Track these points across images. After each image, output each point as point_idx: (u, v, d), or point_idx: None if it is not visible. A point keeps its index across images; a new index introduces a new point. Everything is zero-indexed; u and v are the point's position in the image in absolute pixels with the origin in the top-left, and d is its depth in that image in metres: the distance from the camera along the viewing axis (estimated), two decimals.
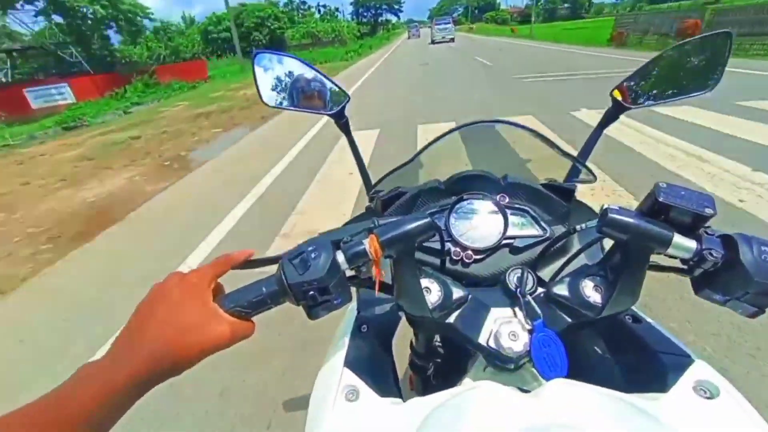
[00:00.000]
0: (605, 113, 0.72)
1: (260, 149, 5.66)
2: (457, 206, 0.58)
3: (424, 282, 0.46)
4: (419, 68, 14.05)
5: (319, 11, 63.43)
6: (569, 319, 0.45)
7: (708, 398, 0.38)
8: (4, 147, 8.62)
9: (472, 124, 0.69)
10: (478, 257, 0.56)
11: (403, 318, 0.56)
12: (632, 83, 0.71)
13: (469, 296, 0.48)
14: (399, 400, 0.44)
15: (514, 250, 0.56)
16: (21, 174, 5.96)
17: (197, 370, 0.38)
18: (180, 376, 0.37)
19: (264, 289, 0.40)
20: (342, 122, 0.79)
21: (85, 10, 18.21)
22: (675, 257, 0.40)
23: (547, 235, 0.57)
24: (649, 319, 0.52)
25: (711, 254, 0.38)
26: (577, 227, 0.49)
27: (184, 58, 35.00)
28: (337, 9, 67.30)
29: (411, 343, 0.72)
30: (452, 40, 31.40)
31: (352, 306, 0.61)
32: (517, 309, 0.46)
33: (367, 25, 74.51)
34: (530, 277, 0.48)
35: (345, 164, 4.33)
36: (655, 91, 0.72)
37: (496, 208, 0.58)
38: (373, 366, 0.50)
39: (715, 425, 0.35)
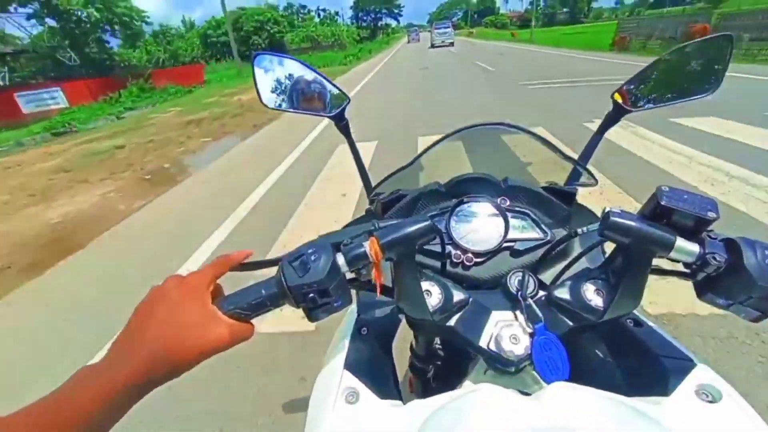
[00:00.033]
0: (606, 116, 0.72)
1: (249, 162, 5.19)
2: (458, 209, 0.57)
3: (425, 285, 0.46)
4: (419, 73, 13.61)
5: (319, 15, 63.19)
6: (570, 323, 0.44)
7: (710, 402, 0.37)
8: None
9: (473, 126, 0.68)
10: (478, 260, 0.55)
11: (403, 321, 0.56)
12: (633, 86, 0.71)
13: (470, 299, 0.47)
14: (399, 402, 0.44)
15: (515, 254, 0.55)
16: None
17: None
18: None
19: (263, 291, 0.39)
20: (342, 124, 0.77)
21: (79, 13, 17.79)
22: (677, 261, 0.39)
23: (548, 238, 0.56)
24: (650, 323, 0.51)
25: (714, 258, 0.37)
26: (579, 230, 0.49)
27: (183, 62, 34.83)
28: (336, 13, 67.12)
29: (411, 345, 0.72)
30: (452, 44, 31.63)
31: (352, 308, 0.61)
32: (518, 312, 0.45)
33: (367, 29, 74.27)
34: (531, 281, 0.48)
35: (338, 183, 3.87)
36: (655, 94, 0.71)
37: (496, 211, 0.57)
38: (373, 368, 0.50)
39: (717, 429, 0.35)
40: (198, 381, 1.65)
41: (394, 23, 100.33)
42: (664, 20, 16.73)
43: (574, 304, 0.44)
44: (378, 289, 0.43)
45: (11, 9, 16.94)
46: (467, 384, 0.47)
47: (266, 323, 1.90)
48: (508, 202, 0.59)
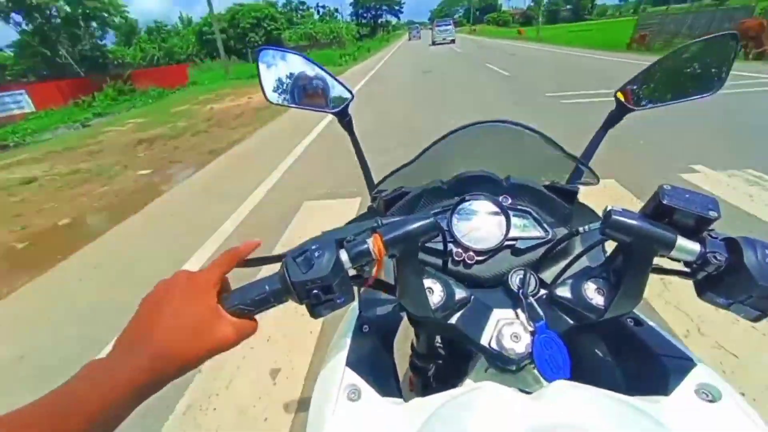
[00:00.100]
0: (609, 115, 0.70)
1: (175, 224, 3.46)
2: (460, 207, 0.57)
3: (427, 282, 0.45)
4: (421, 79, 11.43)
5: (319, 12, 61.16)
6: (571, 321, 0.44)
7: (710, 401, 0.37)
8: None
9: (474, 124, 0.66)
10: (480, 258, 0.54)
11: (404, 319, 0.57)
12: (636, 85, 0.69)
13: (472, 297, 0.47)
14: (400, 400, 0.44)
15: (517, 252, 0.55)
16: None
17: None
18: None
19: (267, 287, 0.39)
20: (345, 121, 0.75)
21: (52, 10, 15.98)
22: (678, 260, 0.39)
23: (550, 236, 0.55)
24: (650, 323, 0.51)
25: (715, 257, 0.37)
26: (580, 229, 0.49)
27: (179, 60, 33.38)
28: (336, 10, 65.02)
29: (412, 344, 0.72)
30: (453, 41, 31.17)
31: (354, 306, 0.59)
32: (519, 310, 0.45)
33: (367, 27, 72.13)
34: (532, 279, 0.48)
35: None
36: (659, 94, 0.70)
37: (498, 209, 0.56)
38: (375, 366, 0.49)
39: (717, 428, 0.35)
40: None
41: (394, 20, 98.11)
42: (692, 16, 14.87)
43: (575, 303, 0.44)
44: (377, 285, 0.44)
45: None
46: (468, 382, 0.48)
47: None
48: (509, 201, 0.58)
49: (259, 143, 5.97)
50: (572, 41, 21.11)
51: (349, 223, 0.50)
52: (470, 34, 53.59)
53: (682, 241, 0.37)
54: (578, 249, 0.55)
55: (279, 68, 0.73)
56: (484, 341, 0.44)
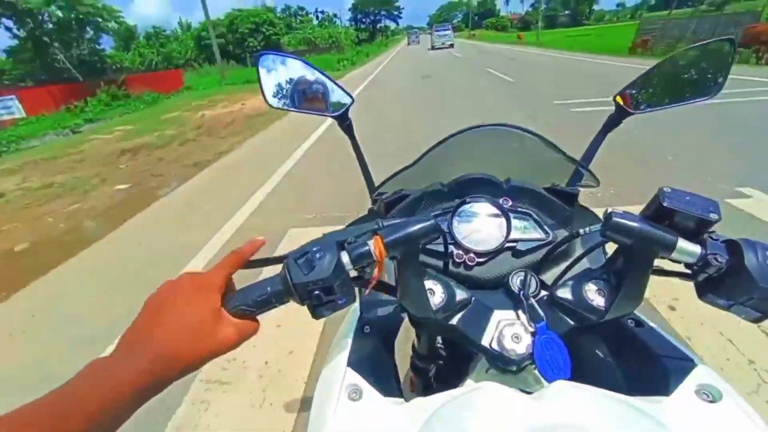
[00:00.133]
0: (608, 119, 0.70)
1: (140, 252, 3.03)
2: (460, 209, 0.56)
3: (428, 284, 0.45)
4: (420, 84, 11.01)
5: (317, 17, 61.03)
6: (572, 322, 0.44)
7: (710, 402, 0.37)
8: None
9: (476, 127, 0.66)
10: (480, 260, 0.54)
11: (405, 320, 0.57)
12: (635, 89, 0.69)
13: (473, 298, 0.47)
14: (401, 400, 0.43)
15: (517, 254, 0.54)
16: None
17: None
18: None
19: (269, 288, 0.39)
20: (345, 124, 0.75)
21: (44, 15, 15.57)
22: (679, 262, 0.39)
23: (550, 238, 0.55)
24: (651, 323, 0.51)
25: (716, 259, 0.37)
26: (581, 231, 0.49)
27: (177, 64, 33.17)
28: (335, 15, 64.89)
29: (413, 344, 0.72)
30: (451, 45, 31.48)
31: (355, 307, 0.60)
32: (520, 311, 0.45)
33: (366, 32, 71.98)
34: (533, 280, 0.47)
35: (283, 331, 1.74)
36: (657, 97, 0.70)
37: (498, 212, 0.56)
38: (376, 366, 0.49)
39: (717, 428, 0.35)
40: None
41: (393, 25, 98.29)
42: (696, 20, 14.55)
43: (575, 304, 0.44)
44: (379, 288, 0.44)
45: None
46: (469, 383, 0.47)
47: None
48: (510, 203, 0.58)
49: (247, 155, 5.54)
50: (572, 46, 20.80)
51: (350, 225, 0.51)
52: (469, 39, 53.39)
53: (682, 243, 0.37)
54: (579, 251, 0.55)
55: (279, 73, 0.72)
56: (485, 342, 0.44)
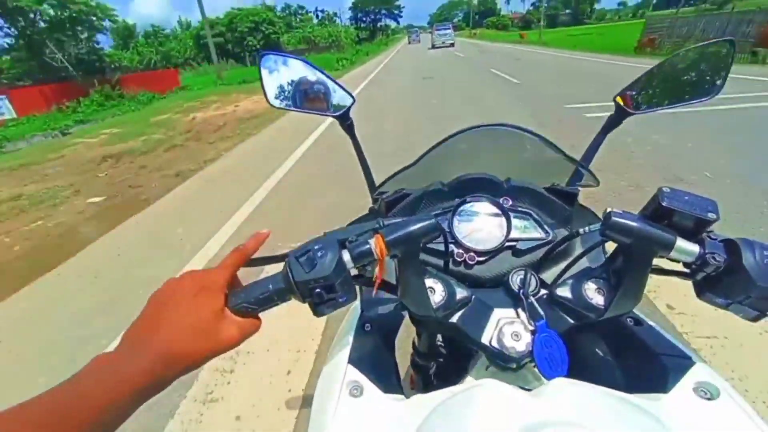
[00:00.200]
0: (608, 119, 0.69)
1: (93, 290, 2.57)
2: (461, 208, 0.57)
3: (428, 282, 0.45)
4: (421, 86, 10.25)
5: (317, 16, 60.47)
6: (571, 321, 0.44)
7: (708, 399, 0.37)
8: None
9: (476, 127, 0.66)
10: (481, 259, 0.54)
11: (406, 317, 0.57)
12: (635, 89, 0.69)
13: (473, 297, 0.47)
14: (402, 396, 0.44)
15: (517, 253, 0.54)
16: None
17: None
18: None
19: (270, 286, 0.39)
20: (347, 124, 0.75)
21: (36, 14, 15.08)
22: (677, 261, 0.39)
23: (550, 238, 0.55)
24: (650, 322, 0.51)
25: (714, 258, 0.37)
26: (581, 230, 0.49)
27: (176, 63, 32.88)
28: (335, 14, 64.32)
29: (413, 342, 0.72)
30: (452, 44, 31.27)
31: (356, 305, 0.60)
32: (520, 310, 0.45)
33: (366, 30, 71.34)
34: (533, 279, 0.47)
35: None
36: (657, 98, 0.70)
37: (499, 211, 0.56)
38: (377, 364, 0.49)
39: (715, 426, 0.35)
40: None
41: (393, 24, 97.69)
42: (705, 19, 14.05)
43: (575, 303, 0.44)
44: (382, 286, 0.44)
45: None
46: (469, 380, 0.48)
47: None
48: (510, 202, 0.57)
49: (235, 163, 5.08)
50: (576, 45, 20.28)
51: (351, 223, 0.52)
52: (470, 38, 52.79)
53: (681, 243, 0.37)
54: (578, 250, 0.55)
55: (281, 73, 0.72)
56: (485, 340, 0.44)
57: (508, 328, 0.43)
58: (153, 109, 11.61)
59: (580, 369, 0.41)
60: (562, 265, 0.52)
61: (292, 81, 0.72)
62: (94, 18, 17.10)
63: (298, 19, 51.50)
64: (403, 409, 0.40)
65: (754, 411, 0.35)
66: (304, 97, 0.73)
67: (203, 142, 6.52)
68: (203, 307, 0.36)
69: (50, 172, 5.77)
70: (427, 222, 0.40)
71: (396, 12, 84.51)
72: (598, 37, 26.53)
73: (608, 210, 0.39)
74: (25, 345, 2.08)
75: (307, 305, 0.40)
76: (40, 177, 5.49)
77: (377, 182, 0.73)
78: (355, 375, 0.45)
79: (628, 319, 0.51)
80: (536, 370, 0.42)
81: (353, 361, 0.47)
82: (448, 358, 0.69)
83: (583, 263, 0.50)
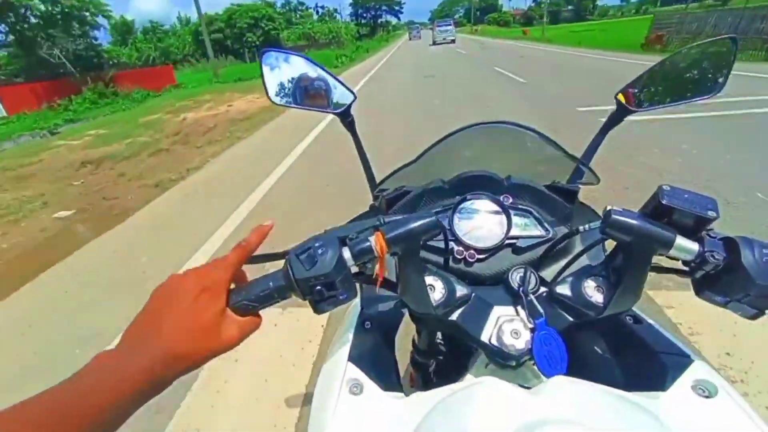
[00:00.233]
0: (609, 117, 0.68)
1: (33, 336, 2.14)
2: (461, 206, 0.56)
3: (428, 280, 0.45)
4: (422, 84, 9.74)
5: (318, 12, 59.68)
6: (571, 319, 0.44)
7: (706, 397, 0.38)
8: None
9: (477, 125, 0.65)
10: (480, 257, 0.54)
11: (405, 315, 0.57)
12: (637, 87, 0.68)
13: (472, 294, 0.47)
14: (401, 394, 0.44)
15: (517, 251, 0.54)
16: None
17: None
18: None
19: (271, 283, 0.39)
20: (348, 121, 0.74)
21: (26, 9, 14.56)
22: (677, 259, 0.39)
23: (550, 235, 0.55)
24: (649, 320, 0.51)
25: (713, 256, 0.37)
26: (581, 228, 0.48)
27: (175, 60, 32.47)
28: (335, 10, 63.53)
29: (413, 340, 0.72)
30: (453, 41, 31.10)
31: (356, 302, 0.60)
32: (519, 308, 0.45)
33: (366, 27, 70.51)
34: (533, 277, 0.47)
35: None
36: (659, 96, 0.69)
37: (499, 209, 0.55)
38: (377, 361, 0.49)
39: (713, 423, 0.35)
40: None
41: (394, 20, 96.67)
42: (716, 14, 13.50)
43: (574, 300, 0.44)
44: (382, 284, 0.43)
45: None
46: (468, 378, 0.47)
47: None
48: (510, 200, 0.57)
49: (221, 171, 4.64)
50: (581, 42, 19.72)
51: (352, 221, 0.51)
52: (472, 34, 51.99)
53: (680, 241, 0.37)
54: (578, 248, 0.55)
55: (282, 70, 0.72)
56: (484, 337, 0.44)
57: (507, 326, 0.43)
58: (145, 108, 11.13)
59: (579, 367, 0.41)
60: (562, 262, 0.52)
61: (293, 78, 0.71)
62: (87, 13, 16.58)
63: (298, 15, 50.82)
64: (403, 407, 0.40)
65: (752, 409, 0.35)
66: (305, 93, 0.72)
67: (191, 146, 6.08)
68: (204, 309, 0.35)
69: (22, 179, 5.33)
70: (427, 219, 0.40)
71: (397, 8, 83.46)
72: (600, 33, 25.98)
73: (608, 208, 0.39)
74: None
75: (307, 303, 0.39)
76: (10, 186, 5.05)
77: (378, 179, 0.73)
78: (355, 373, 0.44)
79: (628, 317, 0.51)
80: (535, 367, 0.41)
81: (353, 358, 0.47)
82: (447, 356, 0.69)
83: (583, 261, 0.51)
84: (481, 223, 0.55)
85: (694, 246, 0.37)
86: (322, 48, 32.91)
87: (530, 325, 0.43)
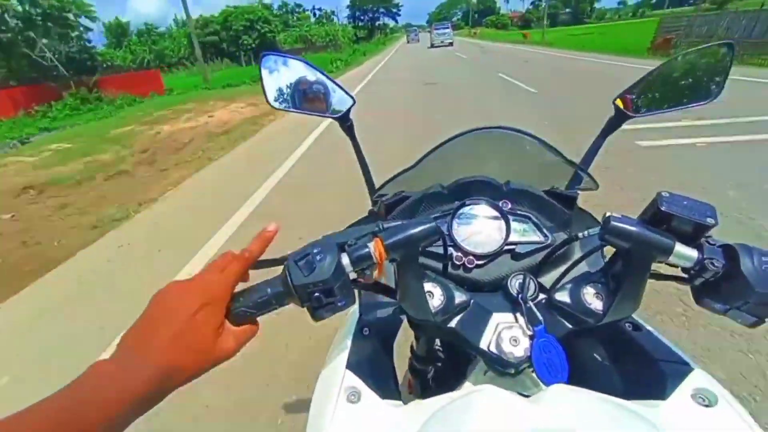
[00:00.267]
0: (608, 122, 0.68)
1: None
2: (460, 211, 0.56)
3: (427, 286, 0.45)
4: (422, 94, 8.68)
5: (315, 14, 58.90)
6: (570, 326, 0.44)
7: (706, 406, 0.37)
8: None
9: (476, 130, 0.65)
10: (479, 263, 0.53)
11: (404, 322, 0.56)
12: (635, 92, 0.68)
13: (471, 301, 0.46)
14: (400, 402, 0.43)
15: (516, 256, 0.54)
16: None
17: None
18: None
19: (269, 290, 0.38)
20: (347, 125, 0.73)
21: (3, 11, 13.67)
22: (676, 266, 0.39)
23: (549, 241, 0.54)
24: (649, 327, 0.50)
25: (712, 264, 0.37)
26: (579, 234, 0.47)
27: (169, 63, 31.76)
28: (333, 12, 62.76)
29: (411, 346, 0.71)
30: (450, 44, 31.06)
31: (354, 309, 0.59)
32: (518, 314, 0.45)
33: (364, 29, 69.71)
34: (532, 283, 0.47)
35: None
36: (657, 101, 0.69)
37: (498, 214, 0.55)
38: (375, 369, 0.49)
39: None
40: None
41: (392, 23, 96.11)
42: (729, 17, 12.74)
43: (573, 307, 0.43)
44: (380, 290, 0.44)
45: None
46: (467, 385, 0.47)
47: None
48: (509, 205, 0.57)
49: (175, 209, 3.78)
50: (584, 45, 18.95)
51: (350, 226, 0.50)
52: (470, 37, 51.29)
53: (680, 248, 0.37)
54: (577, 254, 0.54)
55: (281, 73, 0.71)
56: (483, 345, 0.43)
57: (506, 333, 0.42)
58: (120, 118, 10.23)
59: (578, 374, 0.41)
60: (561, 268, 0.51)
61: (292, 82, 0.70)
62: (70, 15, 15.69)
63: (295, 18, 50.01)
64: (401, 416, 0.39)
65: (751, 419, 0.35)
66: (304, 97, 0.71)
67: (156, 167, 5.23)
68: (203, 324, 0.34)
69: None
70: (426, 225, 0.40)
71: (394, 11, 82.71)
72: (599, 36, 25.49)
73: (607, 214, 0.39)
74: None
75: (305, 309, 0.39)
76: None
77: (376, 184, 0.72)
78: (353, 380, 0.44)
79: (627, 324, 0.50)
80: (535, 375, 0.41)
81: (351, 366, 0.46)
82: (446, 363, 0.68)
83: (582, 267, 0.50)
84: (480, 228, 0.54)
85: (693, 253, 0.37)
86: (319, 51, 32.10)
87: (529, 333, 0.42)
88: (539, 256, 0.53)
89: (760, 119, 4.52)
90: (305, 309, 0.39)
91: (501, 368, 0.43)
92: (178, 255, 2.71)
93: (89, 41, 18.95)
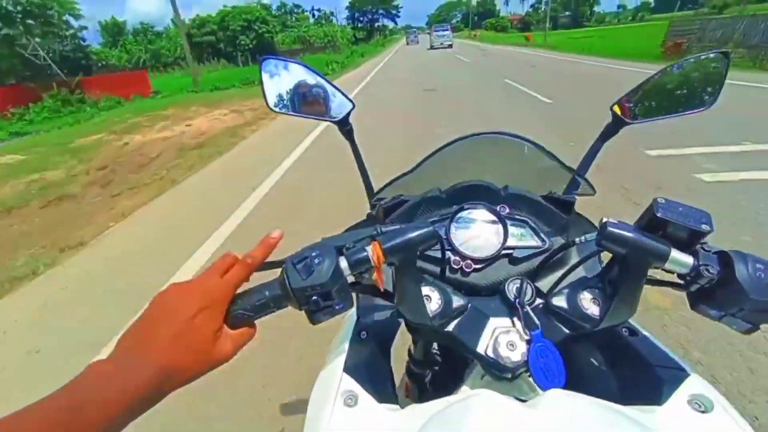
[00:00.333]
0: (605, 128, 0.68)
1: None
2: (458, 216, 0.56)
3: (425, 290, 0.45)
4: (422, 101, 7.83)
5: (314, 15, 58.08)
6: (567, 331, 0.44)
7: (702, 412, 0.37)
8: None
9: (474, 135, 0.66)
10: (477, 267, 0.53)
11: (402, 325, 0.56)
12: (632, 99, 0.68)
13: (469, 305, 0.47)
14: (397, 406, 0.43)
15: (514, 261, 0.54)
16: None
17: None
18: None
19: (267, 293, 0.38)
20: (346, 129, 0.72)
21: None
22: (672, 272, 0.39)
23: (547, 246, 0.54)
24: (645, 332, 0.50)
25: (707, 270, 0.37)
26: (577, 240, 0.48)
27: (165, 62, 30.97)
28: (331, 13, 61.94)
29: (409, 350, 0.72)
30: (450, 46, 30.98)
31: (352, 312, 0.59)
32: (515, 319, 0.45)
33: (363, 31, 68.87)
34: (529, 288, 0.47)
35: None
36: (654, 108, 0.69)
37: (496, 219, 0.55)
38: (372, 372, 0.49)
39: None
40: None
41: (391, 25, 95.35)
42: (746, 21, 11.96)
43: (570, 312, 0.43)
44: (378, 293, 0.43)
45: None
46: (464, 389, 0.47)
47: None
48: (507, 210, 0.57)
49: (111, 257, 2.93)
50: (589, 49, 18.14)
51: (349, 230, 0.51)
52: (470, 39, 50.47)
53: (675, 254, 0.37)
54: (574, 259, 0.54)
55: (281, 77, 0.71)
56: (480, 349, 0.43)
57: (503, 338, 0.43)
58: (93, 124, 9.32)
59: (574, 379, 0.41)
60: (558, 273, 0.51)
61: (292, 86, 0.70)
62: (53, 12, 14.81)
63: (293, 18, 49.16)
64: (398, 420, 0.39)
65: (747, 425, 0.35)
66: (303, 101, 0.71)
67: (108, 189, 4.40)
68: (201, 327, 0.34)
69: None
70: (424, 230, 0.40)
71: (394, 12, 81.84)
72: (599, 40, 24.88)
73: (604, 220, 0.39)
74: None
75: (303, 312, 0.39)
76: None
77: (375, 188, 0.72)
78: (350, 384, 0.44)
79: (624, 329, 0.50)
80: (531, 380, 0.41)
81: (348, 369, 0.46)
82: (443, 367, 0.68)
83: (579, 272, 0.50)
84: (477, 232, 0.54)
85: (689, 259, 0.37)
86: (317, 52, 31.29)
87: (526, 337, 0.42)
88: (536, 261, 0.53)
89: None
90: (303, 312, 0.39)
91: (498, 373, 0.43)
92: (94, 332, 1.87)
93: (84, 40, 18.37)
